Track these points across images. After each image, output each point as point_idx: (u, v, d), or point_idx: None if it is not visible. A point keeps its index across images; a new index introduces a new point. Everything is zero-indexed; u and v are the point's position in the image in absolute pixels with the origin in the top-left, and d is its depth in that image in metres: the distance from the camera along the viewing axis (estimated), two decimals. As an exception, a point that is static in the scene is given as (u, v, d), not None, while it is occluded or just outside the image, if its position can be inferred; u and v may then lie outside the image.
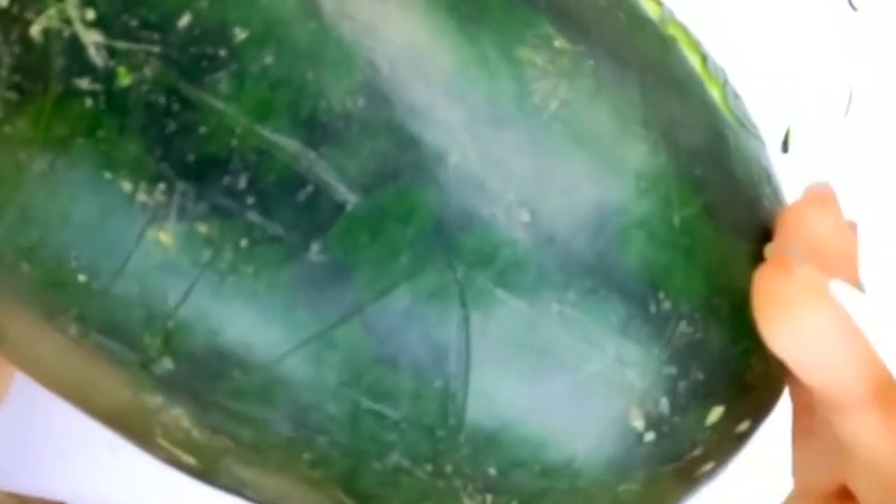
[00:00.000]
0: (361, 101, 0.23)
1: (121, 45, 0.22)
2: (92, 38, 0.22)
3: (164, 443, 0.26)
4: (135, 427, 0.26)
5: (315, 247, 0.23)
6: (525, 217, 0.24)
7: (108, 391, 0.26)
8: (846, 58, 0.38)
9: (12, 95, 0.23)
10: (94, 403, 0.27)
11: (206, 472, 0.27)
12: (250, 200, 0.23)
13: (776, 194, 0.28)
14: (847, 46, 0.38)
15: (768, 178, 0.28)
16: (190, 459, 0.27)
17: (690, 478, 0.27)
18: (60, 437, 0.35)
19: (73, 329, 0.24)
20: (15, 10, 0.22)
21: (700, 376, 0.26)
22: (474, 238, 0.23)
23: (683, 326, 0.25)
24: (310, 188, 0.23)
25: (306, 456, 0.25)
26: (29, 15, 0.22)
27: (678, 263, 0.25)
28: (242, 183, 0.23)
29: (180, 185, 0.22)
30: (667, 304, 0.25)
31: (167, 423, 0.26)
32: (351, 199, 0.23)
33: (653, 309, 0.25)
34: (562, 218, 0.24)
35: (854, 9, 0.35)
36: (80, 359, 0.25)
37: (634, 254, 0.24)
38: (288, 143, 0.22)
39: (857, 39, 0.38)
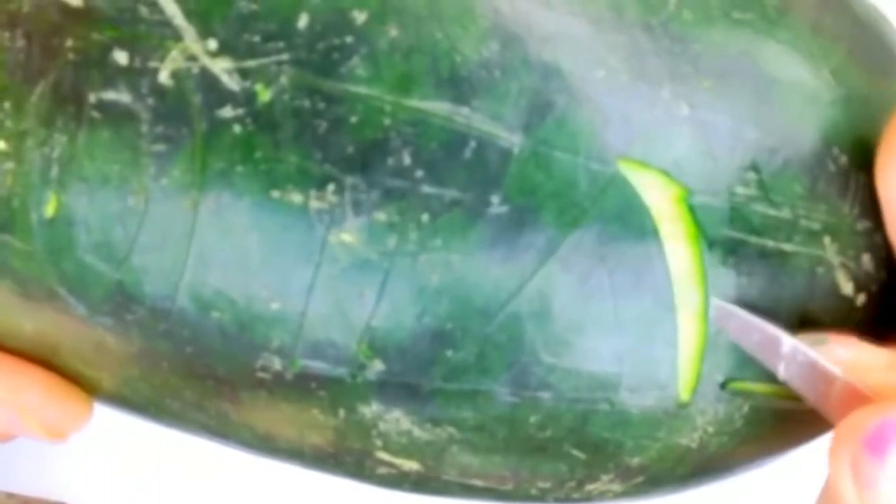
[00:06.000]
0: (494, 45, 0.23)
1: (250, 63, 0.22)
2: (221, 66, 0.22)
3: (384, 456, 0.26)
4: (352, 450, 0.26)
5: (495, 199, 0.23)
6: (685, 109, 0.23)
7: (319, 422, 0.25)
8: None
9: (160, 147, 0.23)
10: (306, 443, 0.26)
11: (430, 474, 0.27)
12: (419, 174, 0.22)
13: (892, 28, 0.28)
14: None
15: (878, 12, 0.28)
16: (413, 465, 0.26)
17: None
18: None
19: (277, 364, 0.24)
20: (137, 63, 0.23)
21: None
22: (641, 143, 0.23)
23: (864, 177, 0.25)
24: (473, 144, 0.22)
25: (533, 419, 0.25)
26: (153, 64, 0.22)
27: (841, 114, 0.24)
28: (407, 159, 0.22)
29: (348, 180, 0.22)
30: (843, 159, 0.24)
31: (386, 431, 0.25)
32: (515, 142, 0.23)
33: (831, 167, 0.24)
34: (719, 101, 0.23)
35: None
36: (286, 400, 0.25)
37: (799, 117, 0.24)
38: (438, 107, 0.22)
39: None
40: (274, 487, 0.35)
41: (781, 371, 0.24)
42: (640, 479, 0.26)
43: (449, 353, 0.23)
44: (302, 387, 0.24)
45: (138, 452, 0.34)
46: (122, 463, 0.35)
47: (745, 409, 0.25)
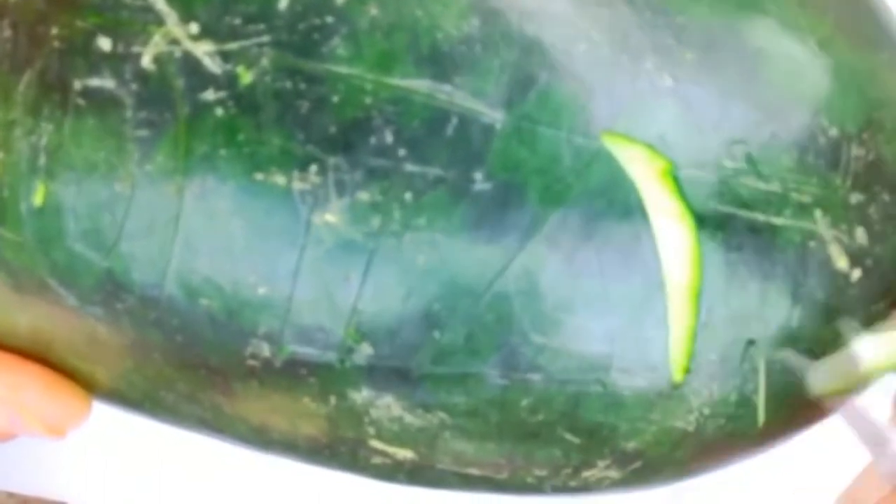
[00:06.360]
0: (475, 21, 0.23)
1: (232, 46, 0.22)
2: (203, 49, 0.22)
3: (377, 444, 0.26)
4: (346, 439, 0.26)
5: (478, 176, 0.22)
6: (668, 81, 0.23)
7: (311, 411, 0.25)
8: None
9: (144, 133, 0.23)
10: (299, 434, 0.26)
11: (424, 462, 0.26)
12: (402, 152, 0.22)
13: (884, 2, 0.27)
14: None
15: None
16: (407, 453, 0.26)
17: None
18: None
19: (266, 351, 0.24)
20: (120, 49, 0.23)
21: (886, 197, 0.25)
22: (625, 116, 0.23)
23: (855, 149, 0.24)
24: (455, 121, 0.22)
25: (525, 402, 0.24)
26: (135, 49, 0.23)
27: (830, 86, 0.24)
28: (389, 138, 0.22)
29: (331, 161, 0.22)
30: (833, 131, 0.24)
31: (378, 418, 0.25)
32: (497, 117, 0.22)
33: (821, 139, 0.24)
34: (704, 73, 0.23)
35: None
36: (277, 389, 0.25)
37: (786, 89, 0.24)
38: (420, 84, 0.22)
39: None
40: (274, 488, 0.35)
41: (882, 469, 0.24)
42: (637, 464, 0.26)
43: (437, 334, 0.23)
44: (292, 373, 0.24)
45: (138, 452, 0.34)
46: (122, 463, 0.35)
47: (741, 390, 0.25)
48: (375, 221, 0.23)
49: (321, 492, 0.36)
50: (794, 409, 0.26)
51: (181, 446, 0.34)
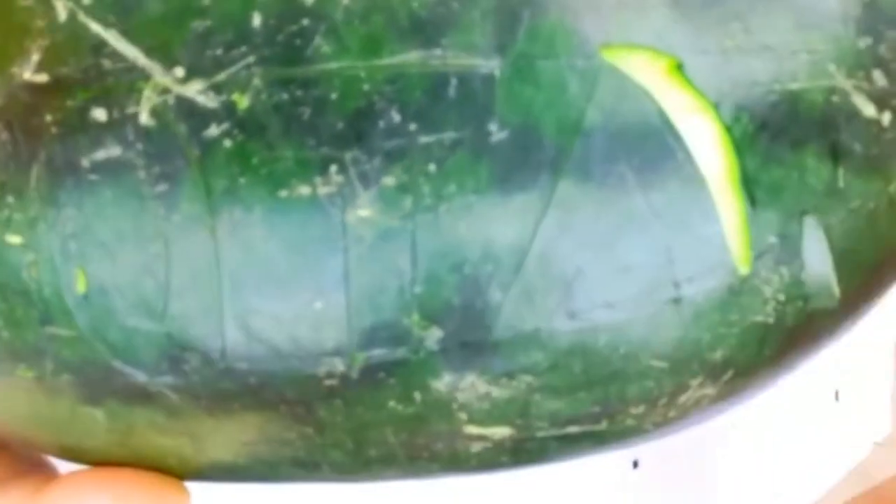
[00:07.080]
0: None
1: (220, 77, 0.23)
2: (194, 89, 0.23)
3: (473, 430, 0.26)
4: (441, 434, 0.26)
5: (493, 128, 0.22)
6: None
7: (399, 414, 0.25)
8: None
9: (162, 187, 0.23)
10: (395, 443, 0.26)
11: (523, 435, 0.26)
12: (413, 127, 0.22)
13: None
14: None
15: None
16: (504, 430, 0.26)
17: None
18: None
19: (340, 365, 0.24)
20: (116, 115, 0.23)
21: (893, 33, 0.25)
22: (617, 26, 0.23)
23: None
24: (454, 81, 0.22)
25: (602, 341, 0.24)
26: (130, 109, 0.23)
27: None
28: (396, 117, 0.22)
29: (348, 156, 0.22)
30: None
31: (467, 401, 0.25)
32: (494, 65, 0.23)
33: None
34: None
35: None
36: (361, 402, 0.25)
37: None
38: (410, 57, 0.22)
39: None
40: (274, 488, 0.34)
41: None
42: (729, 374, 0.26)
43: (496, 296, 0.23)
44: (371, 381, 0.24)
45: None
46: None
47: (810, 266, 0.25)
48: (407, 202, 0.23)
49: (322, 493, 0.35)
50: (868, 272, 0.26)
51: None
